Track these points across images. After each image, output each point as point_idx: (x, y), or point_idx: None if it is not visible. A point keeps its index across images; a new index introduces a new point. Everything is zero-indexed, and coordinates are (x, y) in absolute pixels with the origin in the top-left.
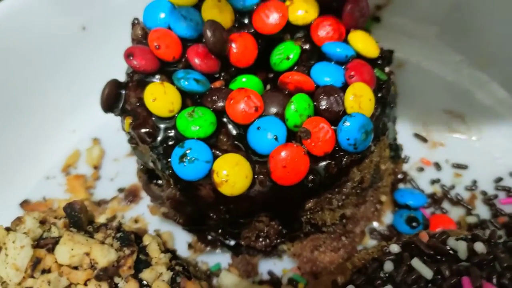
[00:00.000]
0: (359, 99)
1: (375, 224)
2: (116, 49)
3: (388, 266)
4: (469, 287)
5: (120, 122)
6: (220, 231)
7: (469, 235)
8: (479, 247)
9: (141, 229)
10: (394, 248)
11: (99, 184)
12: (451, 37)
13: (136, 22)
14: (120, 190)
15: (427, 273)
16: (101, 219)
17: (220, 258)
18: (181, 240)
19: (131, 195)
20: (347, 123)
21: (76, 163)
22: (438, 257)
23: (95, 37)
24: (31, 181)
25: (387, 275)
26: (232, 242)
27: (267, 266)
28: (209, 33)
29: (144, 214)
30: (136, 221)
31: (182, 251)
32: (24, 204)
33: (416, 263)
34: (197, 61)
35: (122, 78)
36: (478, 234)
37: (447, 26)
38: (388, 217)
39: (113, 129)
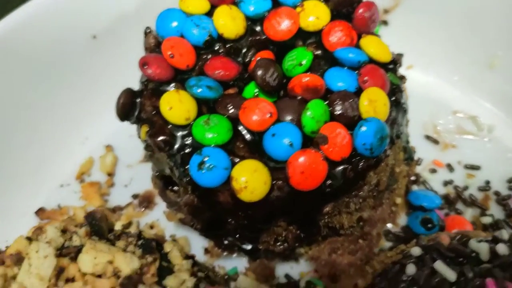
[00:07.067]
0: (374, 103)
1: (389, 226)
2: (127, 57)
3: (411, 269)
4: None
5: (132, 128)
6: (237, 235)
7: (489, 237)
8: (502, 248)
9: (158, 235)
10: (416, 251)
11: (113, 191)
12: (460, 38)
13: (149, 31)
14: (135, 196)
15: (450, 275)
16: (117, 225)
17: (236, 262)
18: (197, 245)
19: (145, 201)
20: (363, 128)
21: (90, 170)
22: (460, 259)
23: (106, 45)
24: (45, 189)
25: (409, 278)
26: (249, 247)
27: (284, 270)
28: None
29: (159, 220)
30: (151, 227)
31: (199, 256)
32: (40, 212)
33: (439, 265)
34: (215, 73)
35: (133, 86)
36: (498, 236)
37: (455, 27)
38: (402, 219)
39: (125, 135)
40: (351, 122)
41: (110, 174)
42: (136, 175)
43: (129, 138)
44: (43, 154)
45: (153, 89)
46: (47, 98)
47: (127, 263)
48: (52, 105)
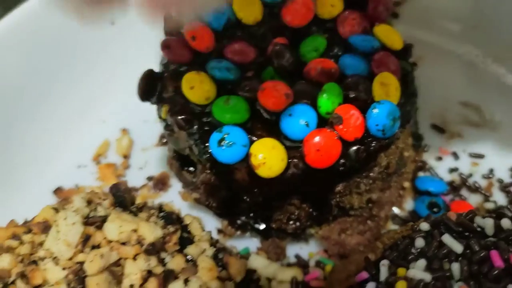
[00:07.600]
0: (386, 87)
1: (396, 210)
2: (144, 42)
3: (419, 242)
4: (497, 259)
5: (147, 114)
6: (251, 214)
7: (493, 214)
8: (506, 223)
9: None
10: (424, 226)
11: (128, 172)
12: (468, 31)
13: (169, 16)
14: (149, 178)
15: (457, 247)
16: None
17: (248, 243)
18: (209, 226)
19: (160, 184)
20: (376, 110)
21: (106, 152)
22: (466, 233)
23: (124, 31)
24: (63, 170)
25: (418, 250)
26: (262, 226)
27: (294, 250)
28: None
29: (173, 201)
30: None
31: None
32: (58, 191)
33: (447, 238)
34: (234, 56)
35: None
36: (503, 212)
37: (464, 21)
38: (409, 205)
39: (141, 120)
40: (364, 105)
41: (126, 157)
42: (151, 158)
43: (144, 123)
44: (61, 135)
45: (173, 70)
46: (66, 83)
47: (151, 232)
48: (71, 88)
